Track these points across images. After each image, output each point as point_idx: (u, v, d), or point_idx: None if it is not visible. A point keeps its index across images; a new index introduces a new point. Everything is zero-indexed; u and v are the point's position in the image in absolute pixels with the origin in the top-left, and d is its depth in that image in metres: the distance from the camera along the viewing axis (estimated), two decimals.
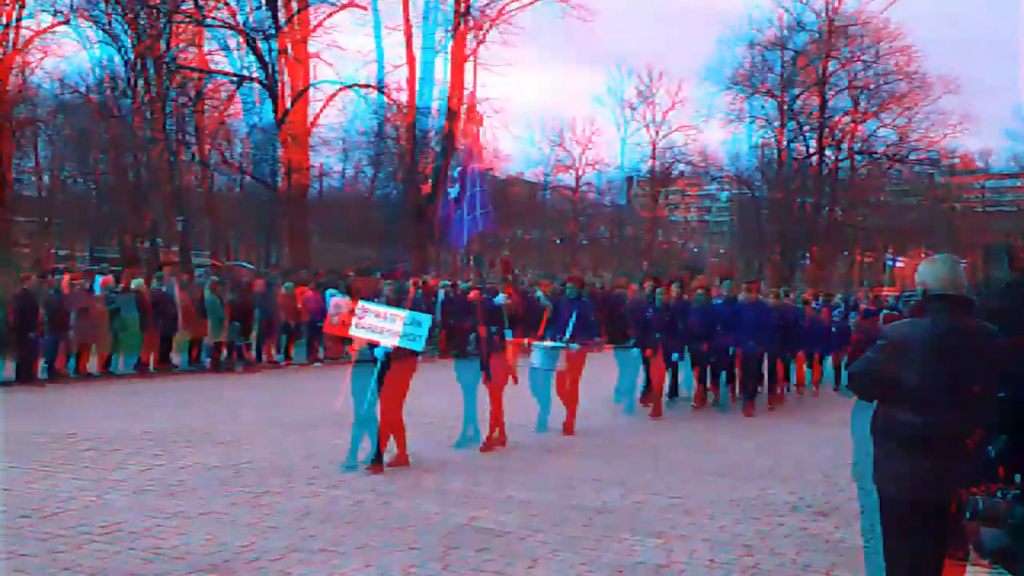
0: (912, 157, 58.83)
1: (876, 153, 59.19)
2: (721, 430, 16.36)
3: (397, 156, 51.44)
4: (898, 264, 47.33)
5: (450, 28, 50.06)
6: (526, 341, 14.93)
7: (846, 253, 63.85)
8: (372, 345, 11.61)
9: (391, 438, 12.05)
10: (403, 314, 11.57)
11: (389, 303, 11.97)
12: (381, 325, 11.53)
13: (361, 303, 11.76)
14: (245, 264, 46.89)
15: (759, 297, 20.04)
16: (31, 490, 10.21)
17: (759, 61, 58.04)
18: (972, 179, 65.07)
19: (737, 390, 19.44)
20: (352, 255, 42.61)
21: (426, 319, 11.62)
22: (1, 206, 41.44)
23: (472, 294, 14.71)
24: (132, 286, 23.67)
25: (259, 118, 47.38)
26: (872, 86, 57.44)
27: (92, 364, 21.90)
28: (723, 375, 19.15)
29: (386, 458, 11.91)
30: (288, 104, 46.38)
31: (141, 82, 44.50)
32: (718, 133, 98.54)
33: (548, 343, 14.99)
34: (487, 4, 50.64)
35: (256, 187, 49.00)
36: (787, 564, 8.36)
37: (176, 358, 23.53)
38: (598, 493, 10.91)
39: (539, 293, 17.92)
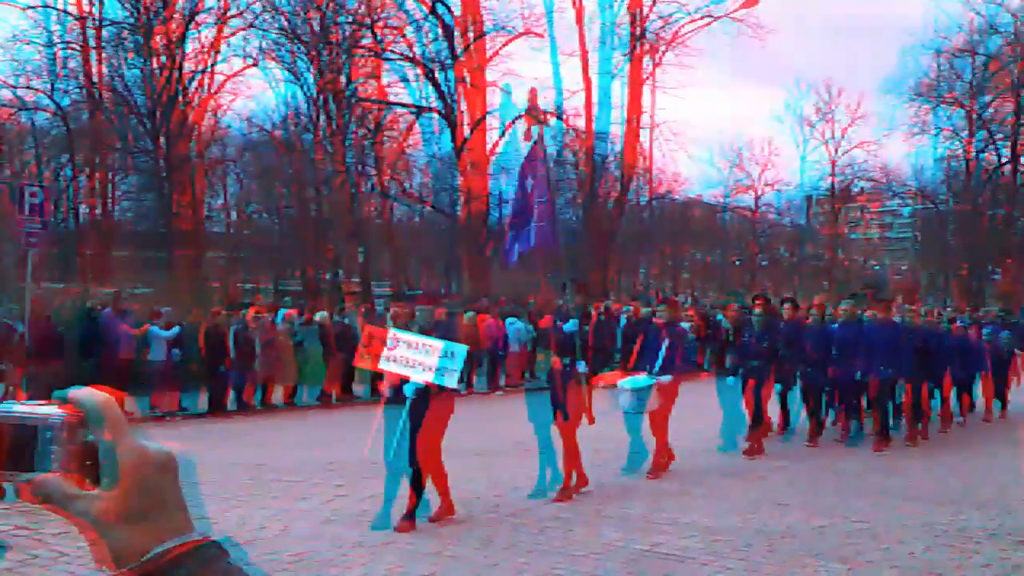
0: None
1: None
2: (908, 453, 15.89)
3: (576, 181, 51.61)
4: None
5: (626, 52, 50.07)
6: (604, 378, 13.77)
7: None
8: (404, 380, 10.26)
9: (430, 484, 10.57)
10: (439, 345, 10.07)
11: (424, 332, 10.41)
12: (414, 358, 10.10)
13: (392, 332, 10.32)
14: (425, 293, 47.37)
15: (889, 316, 17.62)
16: (224, 518, 10.47)
17: (946, 69, 56.29)
18: None
19: (863, 422, 17.09)
20: (533, 282, 42.76)
21: (461, 351, 10.19)
22: (195, 243, 42.91)
23: (543, 320, 13.15)
24: (316, 318, 24.20)
25: (438, 148, 48.06)
26: None
27: (278, 396, 22.48)
28: (833, 406, 17.60)
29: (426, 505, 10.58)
30: (467, 133, 46.94)
31: (323, 117, 45.63)
32: (901, 147, 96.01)
33: (633, 380, 13.54)
34: (662, 27, 50.51)
35: (436, 216, 49.65)
36: None
37: (359, 388, 23.93)
38: (782, 517, 10.69)
39: (720, 316, 17.54)
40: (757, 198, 62.80)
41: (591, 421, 12.14)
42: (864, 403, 16.99)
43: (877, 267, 67.14)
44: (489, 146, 48.86)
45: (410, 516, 10.11)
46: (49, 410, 1.15)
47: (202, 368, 20.98)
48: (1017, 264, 56.63)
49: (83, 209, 43.67)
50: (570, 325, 12.01)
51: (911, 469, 14.26)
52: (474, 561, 8.85)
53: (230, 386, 21.30)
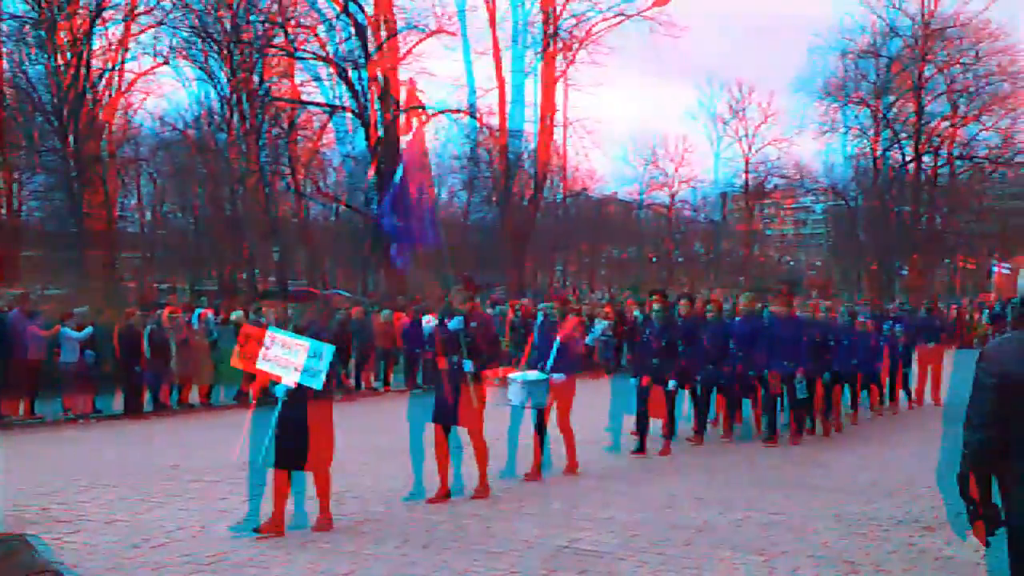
0: (1018, 159, 57.64)
1: (978, 157, 58.21)
2: (823, 446, 16.15)
3: (491, 179, 51.68)
4: (1002, 270, 46.16)
5: (539, 50, 50.21)
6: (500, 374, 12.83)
7: (947, 261, 62.72)
8: (275, 382, 9.87)
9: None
10: (306, 345, 9.67)
11: (297, 331, 9.94)
12: (286, 358, 9.73)
13: (270, 332, 9.94)
14: (342, 292, 47.29)
15: (791, 311, 16.95)
16: (139, 520, 10.38)
17: (852, 70, 57.38)
18: None
19: (760, 420, 16.81)
20: (448, 280, 42.75)
21: (328, 351, 9.63)
22: (108, 243, 42.33)
23: (427, 321, 12.46)
24: (232, 318, 24.01)
25: (352, 147, 47.90)
26: (972, 89, 56.46)
27: (194, 396, 22.26)
28: (739, 403, 17.03)
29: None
30: (380, 133, 46.80)
31: (236, 116, 45.23)
32: (811, 144, 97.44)
33: (528, 374, 13.11)
34: (576, 25, 50.78)
35: (351, 215, 49.49)
36: None
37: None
38: (699, 511, 10.81)
39: (637, 313, 17.54)
40: (672, 195, 63.45)
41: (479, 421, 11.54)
42: (759, 399, 16.79)
43: (792, 263, 68.09)
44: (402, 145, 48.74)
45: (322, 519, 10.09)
46: None
47: (116, 369, 20.74)
48: (923, 259, 57.79)
49: None
50: (455, 323, 11.42)
51: (826, 461, 14.48)
52: (392, 559, 8.82)
53: (146, 387, 21.06)
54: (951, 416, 15.45)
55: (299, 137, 48.31)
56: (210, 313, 24.67)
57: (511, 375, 13.03)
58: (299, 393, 9.64)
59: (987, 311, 41.77)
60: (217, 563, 8.72)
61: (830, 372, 17.39)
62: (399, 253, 13.29)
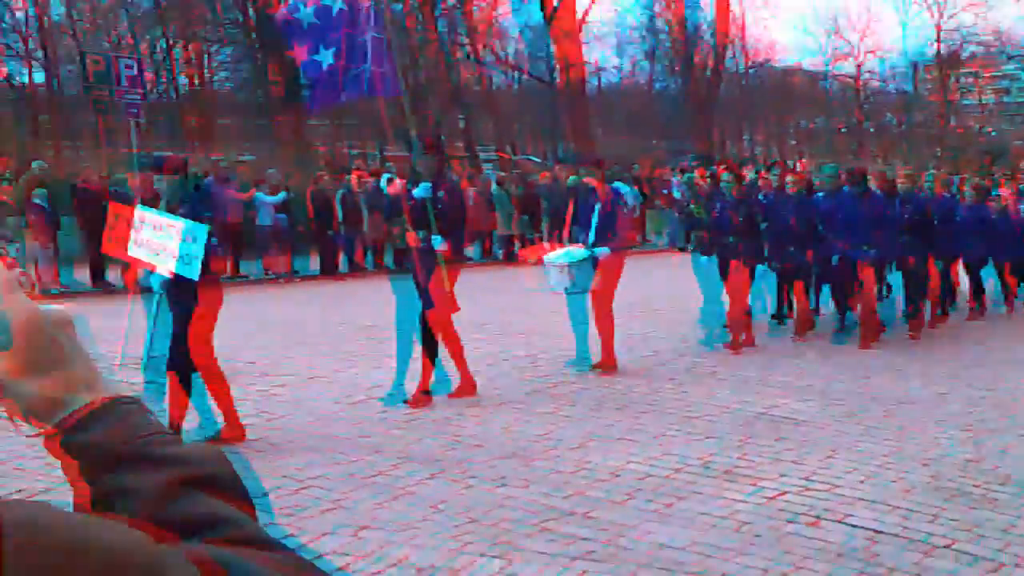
0: None
1: None
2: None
3: (672, 49, 50.81)
4: None
5: None
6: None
7: None
8: (150, 272, 8.21)
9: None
10: (179, 226, 7.82)
11: (170, 209, 8.12)
12: (159, 242, 7.92)
13: (139, 211, 8.10)
14: (532, 158, 47.32)
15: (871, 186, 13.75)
16: (338, 377, 10.62)
17: None
18: None
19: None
20: (637, 147, 42.51)
21: (202, 232, 7.76)
22: (297, 110, 43.04)
23: (391, 186, 10.75)
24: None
25: (529, 16, 47.49)
26: None
27: (389, 258, 22.62)
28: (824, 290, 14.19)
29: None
30: (555, 1, 46.28)
31: None
32: (1012, 9, 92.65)
33: (567, 253, 11.34)
34: None
35: (534, 84, 49.30)
36: None
37: (470, 250, 23.97)
38: (898, 383, 10.53)
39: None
40: (859, 65, 61.22)
41: (454, 308, 9.84)
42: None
43: (994, 133, 65.26)
44: (579, 15, 48.20)
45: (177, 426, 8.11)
46: None
47: (311, 232, 21.22)
48: None
49: (183, 80, 43.87)
50: (420, 191, 9.62)
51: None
52: (588, 421, 8.84)
53: (340, 249, 21.53)
54: None
55: (475, 7, 48.06)
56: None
57: (548, 256, 11.49)
58: (181, 283, 7.92)
59: None
60: (413, 420, 8.85)
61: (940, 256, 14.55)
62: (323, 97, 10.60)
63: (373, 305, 16.25)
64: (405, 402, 9.45)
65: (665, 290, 16.00)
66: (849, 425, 8.71)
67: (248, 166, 25.45)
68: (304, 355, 11.76)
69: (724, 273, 12.78)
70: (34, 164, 19.08)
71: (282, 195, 20.92)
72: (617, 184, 26.30)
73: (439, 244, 9.51)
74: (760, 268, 13.03)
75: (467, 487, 7.08)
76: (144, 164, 11.47)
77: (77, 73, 34.90)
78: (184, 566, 0.95)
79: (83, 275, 18.46)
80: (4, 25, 39.33)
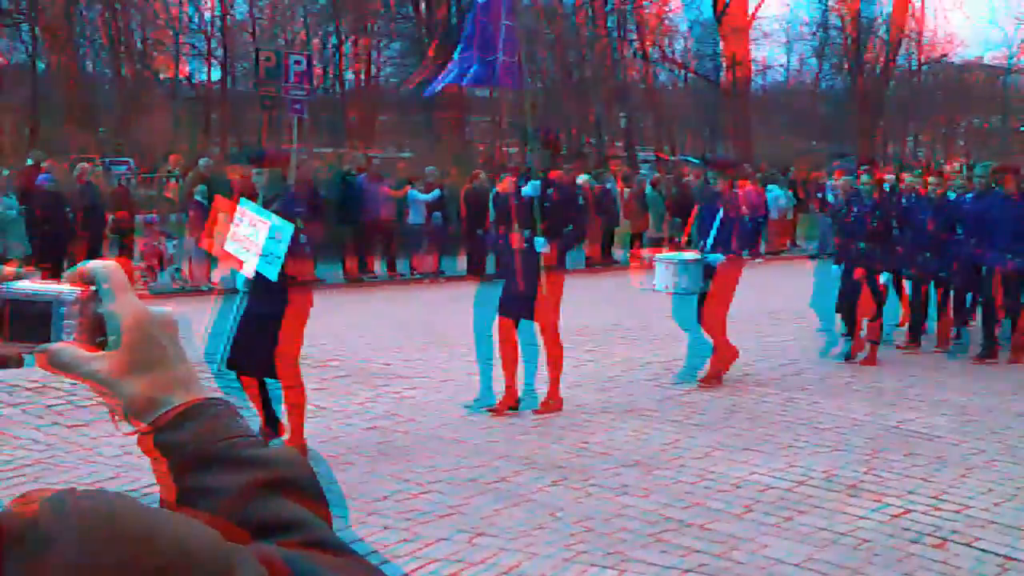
0: None
1: None
2: None
3: (843, 46, 49.84)
4: None
5: None
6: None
7: None
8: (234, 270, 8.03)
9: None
10: (267, 223, 7.41)
11: (267, 204, 7.78)
12: (250, 239, 7.50)
13: (240, 206, 7.70)
14: (691, 159, 47.08)
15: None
16: (473, 381, 10.59)
17: None
18: None
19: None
20: (796, 148, 41.88)
21: (288, 230, 7.35)
22: (458, 107, 43.54)
23: (502, 183, 9.83)
24: (577, 181, 24.24)
25: (699, 12, 47.18)
26: None
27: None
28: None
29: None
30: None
31: None
32: None
33: (683, 254, 11.06)
34: None
35: (698, 82, 48.97)
36: None
37: (618, 252, 23.93)
38: None
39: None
40: None
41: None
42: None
43: None
44: (751, 11, 47.65)
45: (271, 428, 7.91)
46: (63, 287, 1.21)
47: (461, 231, 21.38)
48: None
49: (349, 75, 44.72)
50: (529, 189, 9.19)
51: None
52: (717, 430, 8.80)
53: (489, 249, 21.67)
54: None
55: (645, 2, 47.89)
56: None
57: (659, 255, 11.28)
58: (263, 283, 7.54)
59: None
60: (541, 427, 8.93)
61: None
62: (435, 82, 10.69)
63: None
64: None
65: (808, 297, 15.75)
66: (986, 443, 8.47)
67: (406, 163, 25.80)
68: (441, 357, 11.89)
69: (847, 281, 12.06)
70: (201, 161, 19.63)
71: (436, 193, 21.15)
72: (770, 187, 26.13)
73: (541, 247, 9.13)
74: (885, 276, 12.06)
75: (587, 495, 7.12)
76: (243, 157, 11.09)
77: (250, 70, 35.98)
78: (251, 564, 1.01)
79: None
80: (192, 25, 40.68)
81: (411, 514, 6.62)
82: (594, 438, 8.53)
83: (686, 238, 11.64)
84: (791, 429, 8.82)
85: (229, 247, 7.62)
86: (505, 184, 9.79)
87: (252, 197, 8.17)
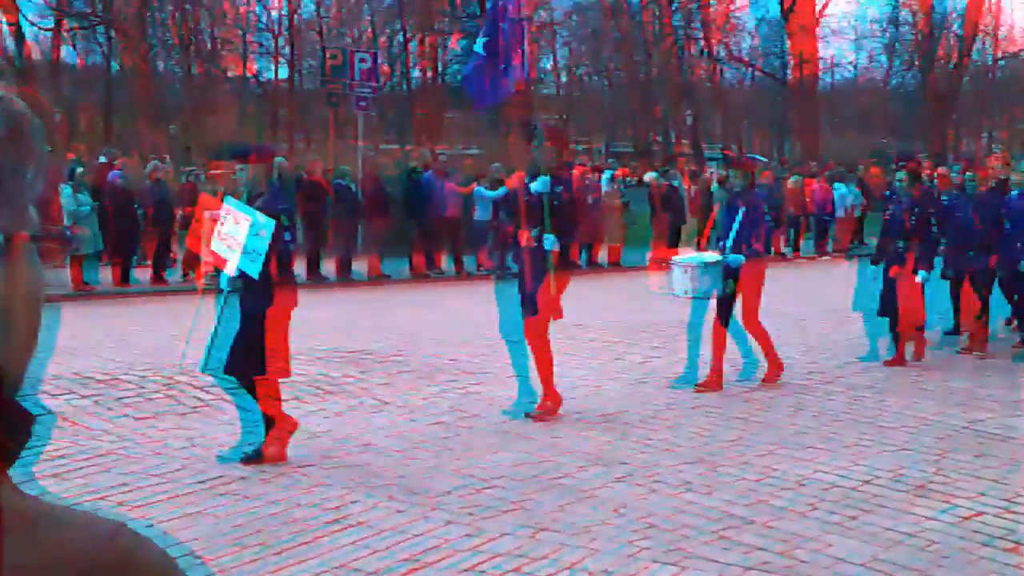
0: None
1: None
2: None
3: (914, 42, 49.28)
4: None
5: None
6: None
7: None
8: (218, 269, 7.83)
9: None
10: (249, 219, 7.28)
11: (251, 201, 7.58)
12: (234, 238, 7.36)
13: (226, 204, 7.62)
14: (758, 157, 46.79)
15: None
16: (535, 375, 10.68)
17: None
18: None
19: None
20: (862, 146, 41.49)
21: (270, 226, 7.20)
22: (525, 105, 43.62)
23: (510, 179, 9.70)
24: (645, 179, 24.20)
25: (766, 11, 46.93)
26: None
27: (603, 256, 22.67)
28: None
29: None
30: None
31: None
32: None
33: (702, 256, 10.58)
34: None
35: (765, 80, 48.70)
36: None
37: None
38: None
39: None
40: None
41: (558, 315, 9.25)
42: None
43: None
44: (818, 8, 47.32)
45: (257, 455, 7.52)
46: None
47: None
48: None
49: (416, 73, 44.96)
50: (538, 185, 8.94)
51: None
52: (781, 427, 8.74)
53: (488, 247, 21.69)
54: None
55: (712, 0, 47.71)
56: (622, 174, 24.96)
57: (676, 258, 10.86)
58: (247, 282, 7.43)
59: None
60: (607, 422, 8.91)
61: None
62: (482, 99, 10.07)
63: (581, 304, 16.35)
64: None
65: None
66: None
67: (473, 159, 25.87)
68: (506, 353, 11.89)
69: (887, 281, 11.65)
70: None
71: (502, 190, 21.17)
72: (837, 184, 25.94)
73: (550, 245, 8.88)
74: (922, 275, 11.34)
75: (651, 491, 7.09)
76: (228, 152, 10.75)
77: (316, 68, 36.27)
78: None
79: (299, 268, 19.07)
80: (259, 24, 41.09)
81: (474, 509, 6.63)
82: (658, 435, 8.50)
83: (704, 240, 11.30)
84: (856, 427, 8.73)
85: (215, 246, 7.53)
86: (513, 180, 9.33)
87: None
